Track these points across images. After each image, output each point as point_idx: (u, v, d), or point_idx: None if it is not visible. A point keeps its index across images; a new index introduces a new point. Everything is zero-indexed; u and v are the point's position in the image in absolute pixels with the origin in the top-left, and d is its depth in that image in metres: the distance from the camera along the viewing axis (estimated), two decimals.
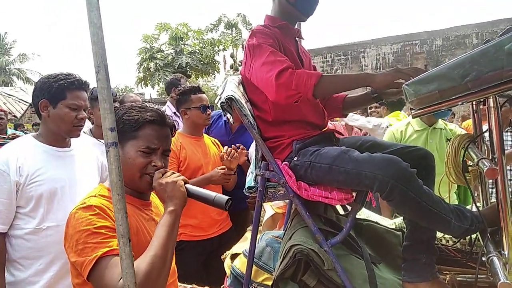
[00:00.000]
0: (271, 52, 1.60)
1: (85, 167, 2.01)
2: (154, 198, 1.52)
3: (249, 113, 1.70)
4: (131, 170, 1.30)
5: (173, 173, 1.32)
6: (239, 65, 15.91)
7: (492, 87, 0.97)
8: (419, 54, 10.30)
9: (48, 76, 1.87)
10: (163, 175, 1.30)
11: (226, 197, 1.27)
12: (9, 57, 31.07)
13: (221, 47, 17.09)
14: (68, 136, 1.94)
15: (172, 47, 17.15)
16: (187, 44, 17.32)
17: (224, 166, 2.65)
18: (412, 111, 1.31)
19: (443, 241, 1.92)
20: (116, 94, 3.37)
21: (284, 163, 1.64)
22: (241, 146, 2.80)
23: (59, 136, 1.91)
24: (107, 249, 1.15)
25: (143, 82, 17.26)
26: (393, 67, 1.59)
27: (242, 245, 2.23)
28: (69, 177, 1.89)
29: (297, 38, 1.90)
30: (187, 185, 1.30)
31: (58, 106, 1.84)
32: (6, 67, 30.08)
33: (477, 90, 0.99)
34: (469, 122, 4.64)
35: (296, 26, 1.90)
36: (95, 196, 1.29)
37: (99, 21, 0.99)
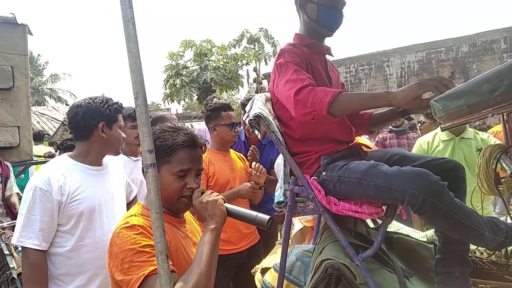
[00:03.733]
0: (294, 71, 1.63)
1: (116, 185, 2.11)
2: (187, 214, 1.56)
3: (276, 129, 1.74)
4: (168, 194, 1.35)
5: (212, 192, 1.36)
6: (262, 79, 16.04)
7: None
8: (445, 61, 10.09)
9: (100, 101, 1.99)
10: (202, 194, 1.35)
11: (267, 216, 1.30)
12: (42, 77, 32.44)
13: (244, 61, 17.29)
14: (116, 154, 2.09)
15: (197, 63, 17.46)
16: (211, 60, 17.61)
17: (252, 181, 2.69)
18: (441, 124, 1.31)
19: (477, 254, 1.88)
20: (133, 111, 3.49)
21: (312, 178, 1.66)
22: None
23: (99, 156, 2.02)
24: (153, 267, 1.18)
25: (169, 98, 17.63)
26: (415, 81, 1.51)
27: (271, 259, 2.25)
28: (104, 195, 1.98)
29: (327, 56, 1.92)
30: (226, 204, 1.34)
31: (113, 128, 2.00)
32: (39, 87, 31.39)
33: (507, 104, 1.00)
34: (495, 128, 4.53)
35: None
36: (135, 215, 1.34)
37: (137, 51, 1.06)
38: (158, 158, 1.29)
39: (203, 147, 1.45)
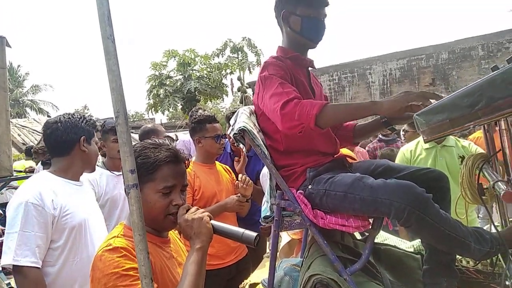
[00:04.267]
0: (279, 84, 1.62)
1: (93, 200, 2.13)
2: (171, 233, 1.52)
3: (261, 143, 1.72)
4: (153, 212, 1.31)
5: (198, 209, 1.33)
6: (247, 87, 16.09)
7: (502, 114, 0.99)
8: (426, 68, 10.31)
9: (78, 117, 2.02)
10: (187, 211, 1.31)
11: (254, 234, 1.28)
12: (22, 89, 31.85)
13: (228, 70, 17.37)
14: (92, 170, 2.12)
15: (180, 73, 17.47)
16: (195, 70, 17.63)
17: (238, 194, 2.67)
18: (424, 136, 1.32)
19: (464, 262, 1.89)
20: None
21: (299, 191, 1.65)
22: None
23: (79, 171, 2.02)
24: None
25: (153, 109, 17.55)
26: (401, 92, 1.54)
27: (260, 274, 2.22)
28: (87, 210, 1.96)
29: (310, 69, 1.92)
30: (212, 222, 1.32)
31: (92, 143, 2.03)
32: (20, 99, 30.81)
33: (488, 117, 1.01)
34: (476, 134, 4.60)
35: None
36: (118, 237, 1.29)
37: (117, 69, 1.04)
38: (141, 176, 1.26)
39: (186, 162, 1.42)
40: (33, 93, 31.75)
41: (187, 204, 1.37)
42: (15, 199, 1.80)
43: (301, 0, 1.75)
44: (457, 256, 1.76)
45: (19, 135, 16.13)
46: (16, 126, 16.48)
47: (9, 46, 4.20)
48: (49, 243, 1.78)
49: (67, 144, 1.94)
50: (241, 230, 1.31)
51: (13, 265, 1.69)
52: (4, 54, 4.11)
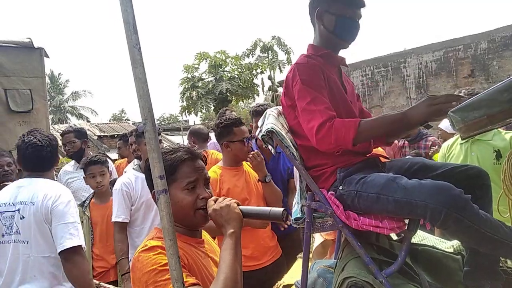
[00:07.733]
0: (312, 99, 1.61)
1: None
2: (205, 234, 1.57)
3: (290, 144, 1.70)
4: (183, 210, 1.37)
5: (225, 198, 1.37)
6: (278, 86, 16.03)
7: None
8: (464, 59, 9.84)
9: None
10: (215, 202, 1.35)
11: (281, 209, 1.31)
12: (63, 96, 33.22)
13: (258, 70, 17.41)
14: None
15: (212, 74, 17.70)
16: (226, 71, 17.81)
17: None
18: (461, 134, 1.26)
19: (509, 263, 1.79)
20: (159, 128, 3.60)
21: (330, 192, 1.62)
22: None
23: None
24: None
25: (186, 111, 17.89)
26: (424, 100, 1.49)
27: (293, 275, 2.20)
28: None
29: (341, 66, 1.87)
30: (240, 207, 1.35)
31: None
32: (61, 106, 32.17)
33: None
34: None
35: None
36: (153, 239, 1.35)
37: (143, 76, 1.05)
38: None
39: (203, 158, 1.49)
40: (73, 100, 33.09)
41: (214, 196, 1.41)
42: (64, 196, 2.18)
43: None
44: None
45: (60, 140, 16.83)
46: (58, 132, 17.20)
47: (47, 57, 4.39)
48: None
49: (54, 163, 2.32)
50: (267, 208, 1.35)
51: (76, 246, 2.08)
52: (43, 64, 4.31)
